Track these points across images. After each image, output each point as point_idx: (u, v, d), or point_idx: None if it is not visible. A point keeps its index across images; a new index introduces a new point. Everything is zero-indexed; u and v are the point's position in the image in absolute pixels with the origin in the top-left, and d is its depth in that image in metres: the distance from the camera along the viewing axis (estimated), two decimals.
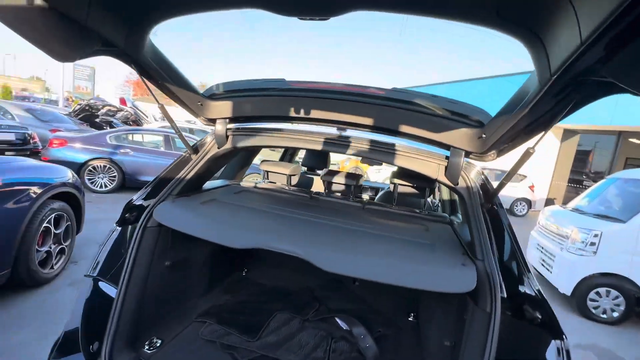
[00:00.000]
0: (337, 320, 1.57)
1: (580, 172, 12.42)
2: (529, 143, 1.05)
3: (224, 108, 1.42)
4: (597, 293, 3.67)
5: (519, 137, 1.06)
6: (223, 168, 2.17)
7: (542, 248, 4.45)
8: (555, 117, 0.88)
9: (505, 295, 1.02)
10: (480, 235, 1.12)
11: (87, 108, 10.94)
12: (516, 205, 10.55)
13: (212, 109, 1.42)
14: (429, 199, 2.73)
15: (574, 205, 4.67)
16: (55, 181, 2.80)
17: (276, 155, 3.52)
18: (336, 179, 1.86)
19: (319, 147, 1.46)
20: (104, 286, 1.28)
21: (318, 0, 0.79)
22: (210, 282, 1.72)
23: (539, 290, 1.05)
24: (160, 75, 1.18)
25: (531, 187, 10.63)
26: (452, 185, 1.27)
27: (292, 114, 1.41)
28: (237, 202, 1.53)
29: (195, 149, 1.54)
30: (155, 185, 1.47)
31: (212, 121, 1.50)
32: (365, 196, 4.05)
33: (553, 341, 0.98)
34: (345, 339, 1.44)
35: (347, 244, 1.17)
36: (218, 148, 1.51)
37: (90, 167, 5.93)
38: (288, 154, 3.17)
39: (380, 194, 2.66)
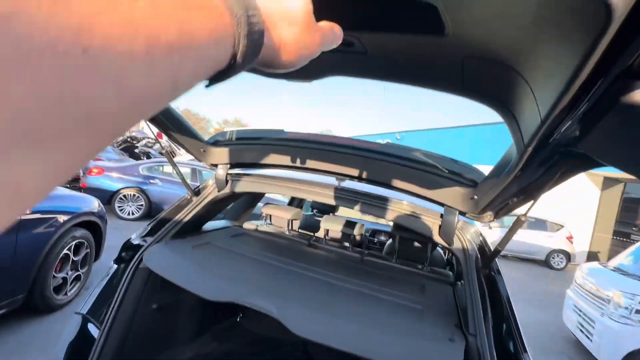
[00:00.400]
0: None
1: (629, 224, 11.31)
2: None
3: (224, 155, 1.48)
4: None
5: (512, 201, 0.99)
6: (230, 206, 2.21)
7: (580, 311, 3.97)
8: (543, 186, 0.82)
9: None
10: (473, 305, 1.03)
11: (128, 140, 11.91)
12: (553, 257, 9.68)
13: (213, 155, 1.49)
14: (441, 251, 2.58)
15: (616, 264, 4.20)
16: (81, 210, 2.98)
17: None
18: (336, 226, 1.82)
19: (314, 197, 1.46)
20: (90, 326, 1.29)
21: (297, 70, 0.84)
22: (200, 327, 1.68)
23: None
24: (165, 124, 1.27)
25: (569, 238, 9.77)
26: (447, 246, 1.20)
27: (289, 162, 1.44)
28: (230, 248, 1.54)
29: (197, 192, 1.59)
30: (155, 225, 1.52)
31: (215, 166, 1.56)
32: (383, 238, 3.93)
33: None
34: None
35: (329, 305, 1.11)
36: (218, 192, 1.55)
37: (121, 195, 6.31)
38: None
39: (388, 243, 2.56)
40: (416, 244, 1.75)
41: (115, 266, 1.43)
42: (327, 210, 3.28)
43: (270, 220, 2.06)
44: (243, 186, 1.52)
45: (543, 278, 8.34)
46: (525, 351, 0.97)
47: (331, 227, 1.82)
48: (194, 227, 1.60)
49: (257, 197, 2.26)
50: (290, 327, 0.93)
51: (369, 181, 1.36)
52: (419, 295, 1.31)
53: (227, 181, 1.54)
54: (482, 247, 1.19)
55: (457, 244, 1.19)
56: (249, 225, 2.01)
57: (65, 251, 2.78)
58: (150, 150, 12.12)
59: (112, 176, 6.41)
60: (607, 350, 3.41)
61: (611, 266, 4.19)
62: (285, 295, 1.11)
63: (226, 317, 1.91)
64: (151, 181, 6.55)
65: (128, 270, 1.31)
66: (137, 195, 6.38)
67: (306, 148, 1.38)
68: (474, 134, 13.30)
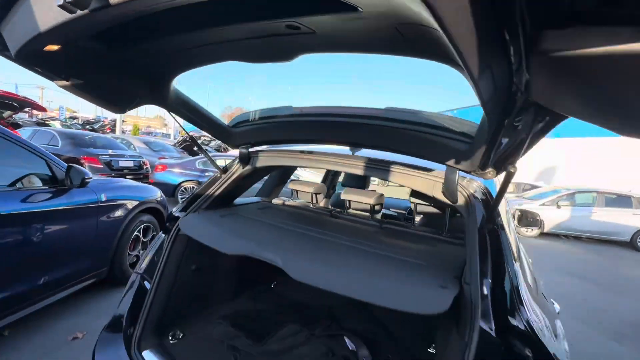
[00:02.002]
0: (345, 339, 1.55)
1: None
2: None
3: (244, 135, 1.63)
4: None
5: (505, 155, 0.96)
6: (262, 185, 2.40)
7: None
8: (524, 139, 0.80)
9: (494, 327, 0.91)
10: (471, 257, 1.03)
11: (187, 139, 13.13)
12: None
13: (234, 137, 1.65)
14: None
15: None
16: (146, 198, 3.47)
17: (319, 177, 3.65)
18: (356, 197, 1.88)
19: (325, 165, 1.55)
20: (146, 283, 1.56)
21: (271, 54, 0.93)
22: (236, 289, 1.90)
23: (528, 322, 0.90)
24: (187, 115, 1.45)
25: None
26: (451, 203, 1.20)
27: (299, 136, 1.54)
28: (254, 217, 1.70)
29: (225, 170, 1.79)
30: (192, 199, 1.75)
31: (239, 146, 1.73)
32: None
33: None
34: (347, 358, 1.42)
35: (334, 260, 1.20)
36: (242, 169, 1.73)
37: (182, 188, 7.06)
38: (330, 176, 3.28)
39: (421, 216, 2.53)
40: (435, 211, 1.73)
41: (163, 235, 1.70)
42: (358, 187, 3.33)
43: (297, 196, 2.20)
44: (263, 161, 1.66)
45: (628, 261, 7.29)
46: (522, 304, 0.95)
47: (351, 197, 1.89)
48: (224, 201, 1.80)
49: (286, 174, 2.40)
50: (290, 273, 1.05)
51: (378, 147, 1.40)
52: (429, 255, 1.33)
53: (249, 158, 1.70)
54: (487, 201, 1.17)
55: (461, 201, 1.18)
56: (277, 200, 2.18)
57: (136, 233, 3.28)
58: (207, 147, 13.22)
59: (174, 172, 7.19)
60: None
61: None
62: (294, 251, 1.22)
63: (262, 283, 2.12)
64: (206, 174, 7.19)
65: (170, 236, 1.55)
66: (195, 187, 7.08)
67: (310, 121, 1.46)
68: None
